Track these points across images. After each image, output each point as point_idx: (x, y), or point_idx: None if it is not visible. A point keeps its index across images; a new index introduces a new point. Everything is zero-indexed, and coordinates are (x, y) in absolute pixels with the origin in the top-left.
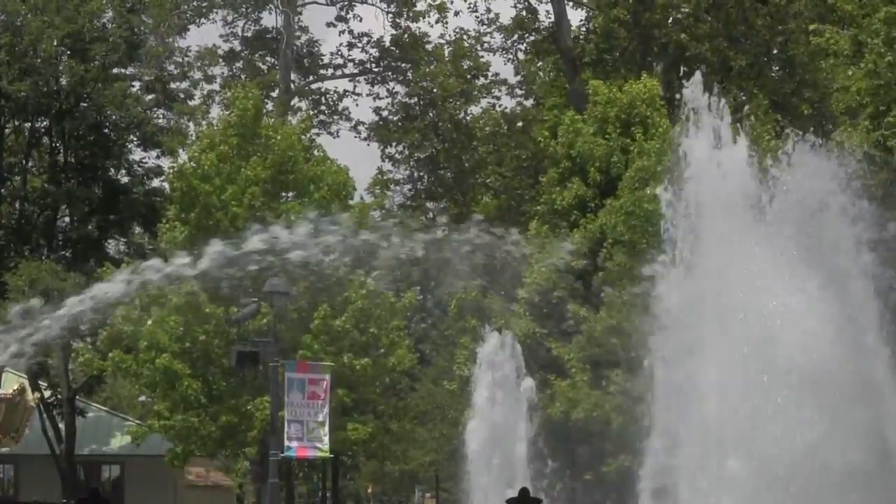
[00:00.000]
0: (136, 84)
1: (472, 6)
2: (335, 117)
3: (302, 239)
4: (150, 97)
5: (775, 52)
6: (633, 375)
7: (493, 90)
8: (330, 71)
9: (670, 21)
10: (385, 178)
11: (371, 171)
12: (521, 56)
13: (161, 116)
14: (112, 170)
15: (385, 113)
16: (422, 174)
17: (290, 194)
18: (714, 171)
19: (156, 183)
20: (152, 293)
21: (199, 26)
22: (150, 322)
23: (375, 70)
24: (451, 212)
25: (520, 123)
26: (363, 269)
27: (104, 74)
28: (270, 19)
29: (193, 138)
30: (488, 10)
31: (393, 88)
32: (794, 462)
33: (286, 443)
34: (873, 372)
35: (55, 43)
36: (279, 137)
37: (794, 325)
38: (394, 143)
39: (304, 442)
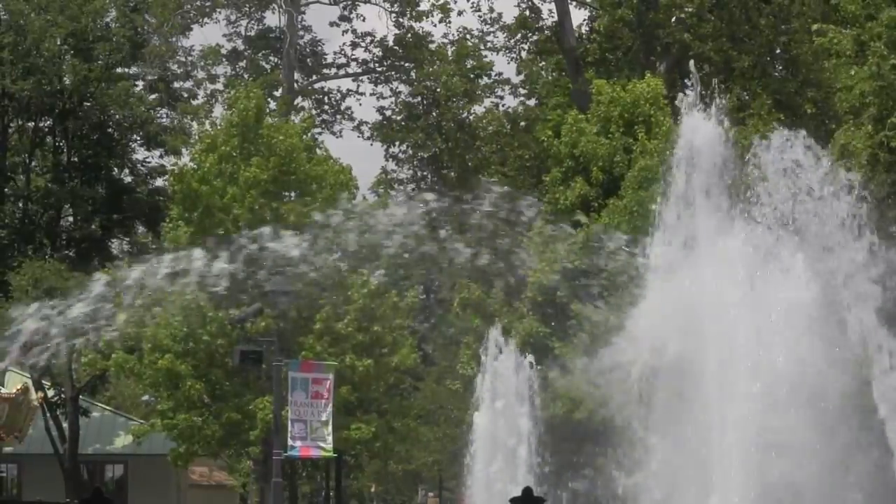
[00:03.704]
0: (140, 83)
1: (475, 6)
2: (338, 117)
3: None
4: (153, 97)
5: (779, 51)
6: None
7: (496, 90)
8: (333, 70)
9: (674, 20)
10: (388, 177)
11: (374, 170)
12: (524, 55)
13: (164, 116)
14: (115, 169)
15: (388, 112)
16: (425, 174)
17: (293, 194)
18: None
19: (159, 182)
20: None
21: (202, 25)
22: (153, 323)
23: (379, 69)
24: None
25: (523, 123)
26: (365, 267)
27: (107, 74)
28: (274, 19)
29: (196, 138)
30: (491, 10)
31: (396, 88)
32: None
33: (289, 442)
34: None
35: (58, 42)
36: (281, 137)
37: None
38: (397, 143)
39: (307, 441)
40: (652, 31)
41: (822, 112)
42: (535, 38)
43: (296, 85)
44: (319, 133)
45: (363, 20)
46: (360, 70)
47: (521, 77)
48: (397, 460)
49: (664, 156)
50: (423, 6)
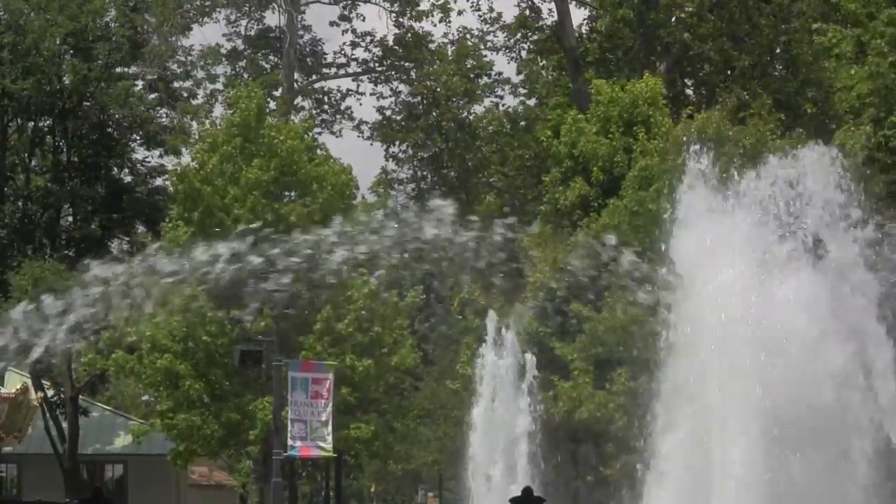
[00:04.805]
0: (140, 83)
1: (474, 5)
2: (338, 117)
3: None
4: (153, 96)
5: (779, 51)
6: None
7: (496, 89)
8: (333, 70)
9: (674, 20)
10: (388, 177)
11: (374, 170)
12: (524, 55)
13: (164, 115)
14: (115, 169)
15: (388, 112)
16: (425, 173)
17: (293, 194)
18: None
19: (159, 182)
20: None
21: (202, 25)
22: (153, 321)
23: (379, 69)
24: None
25: (523, 123)
26: (365, 269)
27: (107, 73)
28: (273, 18)
29: (196, 138)
30: (491, 9)
31: (396, 88)
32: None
33: (289, 442)
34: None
35: (58, 42)
36: (282, 138)
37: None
38: (397, 143)
39: (307, 441)
40: (652, 30)
41: (822, 112)
42: (535, 37)
43: (296, 85)
44: (319, 133)
45: (363, 20)
46: (360, 70)
47: (521, 77)
48: (397, 460)
49: (664, 157)
50: (423, 6)
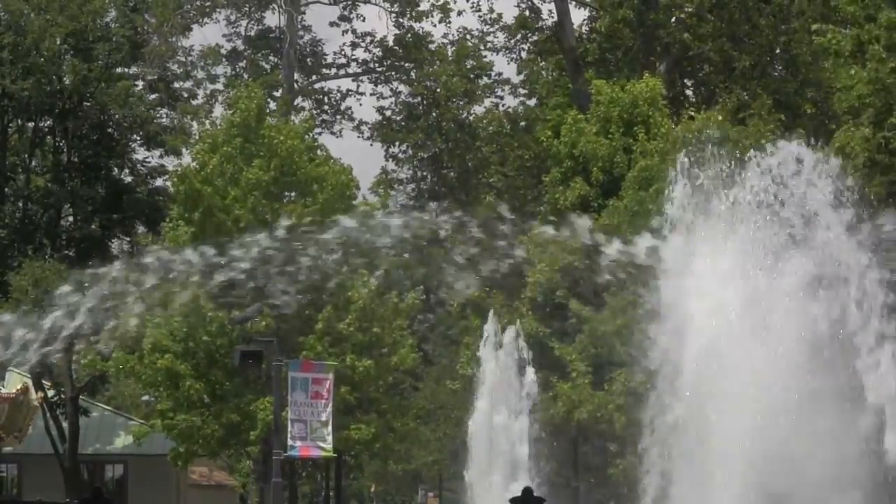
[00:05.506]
0: (140, 83)
1: (474, 6)
2: (338, 117)
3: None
4: (153, 96)
5: (778, 51)
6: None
7: (496, 90)
8: (333, 70)
9: (674, 20)
10: (388, 177)
11: (374, 170)
12: (524, 55)
13: (164, 116)
14: (115, 169)
15: (388, 113)
16: (425, 174)
17: (293, 194)
18: None
19: (159, 182)
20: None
21: (202, 25)
22: (154, 322)
23: (379, 70)
24: (453, 212)
25: (523, 123)
26: (366, 269)
27: (107, 74)
28: (273, 19)
29: (196, 138)
30: (491, 10)
31: (396, 88)
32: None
33: (289, 442)
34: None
35: (58, 42)
36: (282, 138)
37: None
38: (397, 143)
39: (307, 441)
40: (652, 31)
41: (822, 112)
42: (535, 38)
43: (296, 85)
44: (319, 133)
45: (363, 20)
46: (360, 70)
47: (521, 77)
48: (397, 460)
49: (664, 157)
50: (423, 6)
